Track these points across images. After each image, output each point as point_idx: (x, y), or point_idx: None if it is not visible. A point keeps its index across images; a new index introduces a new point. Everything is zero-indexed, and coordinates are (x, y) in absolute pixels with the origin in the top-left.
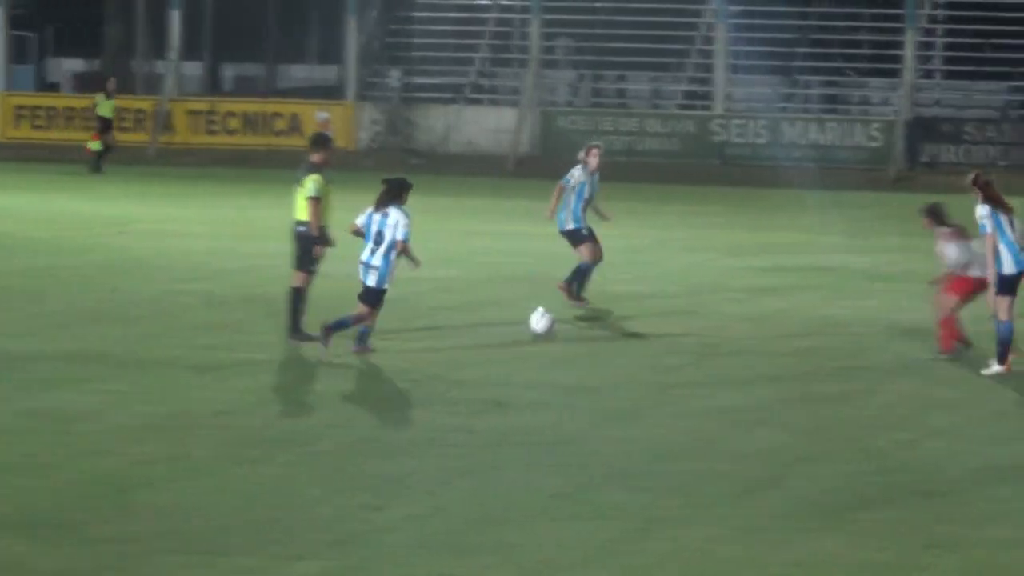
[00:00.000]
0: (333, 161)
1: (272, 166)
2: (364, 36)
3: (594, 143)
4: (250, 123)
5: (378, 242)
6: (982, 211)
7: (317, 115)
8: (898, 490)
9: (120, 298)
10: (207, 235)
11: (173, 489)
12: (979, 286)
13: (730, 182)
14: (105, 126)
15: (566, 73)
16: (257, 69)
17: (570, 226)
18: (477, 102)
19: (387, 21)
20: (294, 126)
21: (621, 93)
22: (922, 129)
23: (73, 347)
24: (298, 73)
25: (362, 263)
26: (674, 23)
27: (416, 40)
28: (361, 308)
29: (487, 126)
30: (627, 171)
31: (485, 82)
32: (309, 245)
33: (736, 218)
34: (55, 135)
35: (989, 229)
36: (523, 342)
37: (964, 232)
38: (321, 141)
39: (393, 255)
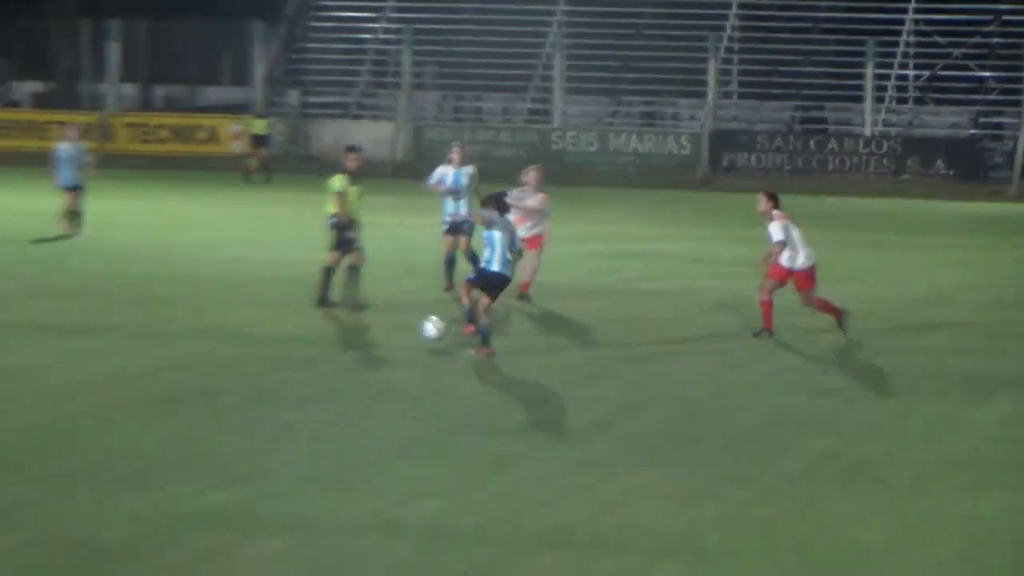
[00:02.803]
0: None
1: (195, 169)
2: (268, 63)
3: (455, 141)
4: (177, 134)
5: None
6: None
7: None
8: (703, 432)
9: (67, 278)
10: (141, 226)
11: (109, 433)
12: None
13: (567, 183)
14: (259, 143)
15: (433, 94)
16: (182, 90)
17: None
18: (360, 117)
19: (287, 51)
20: (212, 136)
21: (478, 110)
22: (722, 140)
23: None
24: (215, 94)
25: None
26: (520, 52)
27: (311, 66)
28: None
29: (369, 137)
30: (484, 175)
31: (367, 101)
32: (337, 231)
33: (573, 212)
34: (16, 143)
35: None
36: (397, 311)
37: (791, 218)
38: (350, 148)
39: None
